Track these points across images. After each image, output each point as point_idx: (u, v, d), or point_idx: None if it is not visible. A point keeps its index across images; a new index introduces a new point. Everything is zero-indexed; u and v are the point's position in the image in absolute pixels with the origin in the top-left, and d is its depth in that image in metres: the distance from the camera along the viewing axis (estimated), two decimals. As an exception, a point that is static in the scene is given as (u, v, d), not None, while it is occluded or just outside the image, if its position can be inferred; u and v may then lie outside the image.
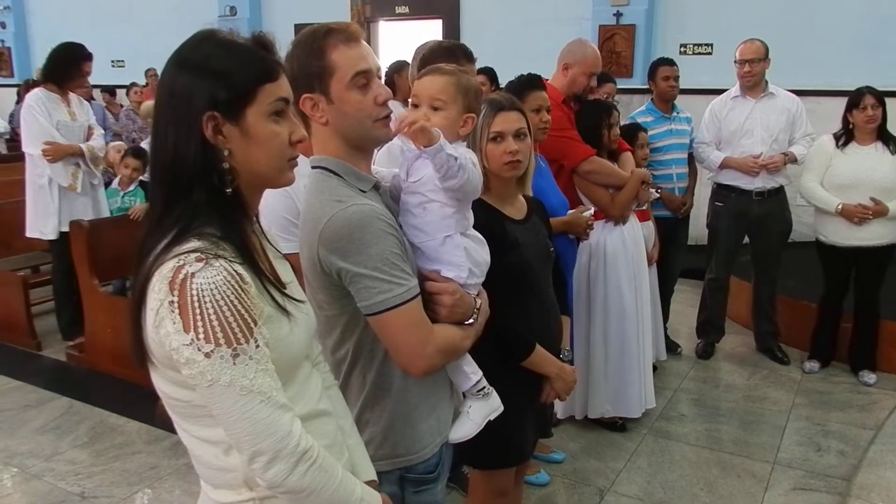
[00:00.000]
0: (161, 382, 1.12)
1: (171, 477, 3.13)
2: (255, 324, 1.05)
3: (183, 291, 0.99)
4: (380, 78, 1.49)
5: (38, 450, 3.36)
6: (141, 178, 4.66)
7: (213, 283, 1.00)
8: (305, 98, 1.44)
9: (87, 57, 4.44)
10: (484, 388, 1.65)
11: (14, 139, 8.35)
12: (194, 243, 1.04)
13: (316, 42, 1.43)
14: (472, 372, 1.63)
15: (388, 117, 1.48)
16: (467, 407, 1.65)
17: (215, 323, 1.00)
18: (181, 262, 1.01)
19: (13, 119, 8.50)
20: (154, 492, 3.05)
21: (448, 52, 2.56)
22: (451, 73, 1.60)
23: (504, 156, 1.97)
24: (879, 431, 3.24)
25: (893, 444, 3.06)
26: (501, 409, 1.69)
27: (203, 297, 0.99)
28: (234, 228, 1.10)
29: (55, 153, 4.35)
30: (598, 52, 3.43)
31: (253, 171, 1.14)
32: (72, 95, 4.57)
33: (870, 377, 3.98)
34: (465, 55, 2.57)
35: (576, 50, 3.33)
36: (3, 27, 10.87)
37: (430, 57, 2.62)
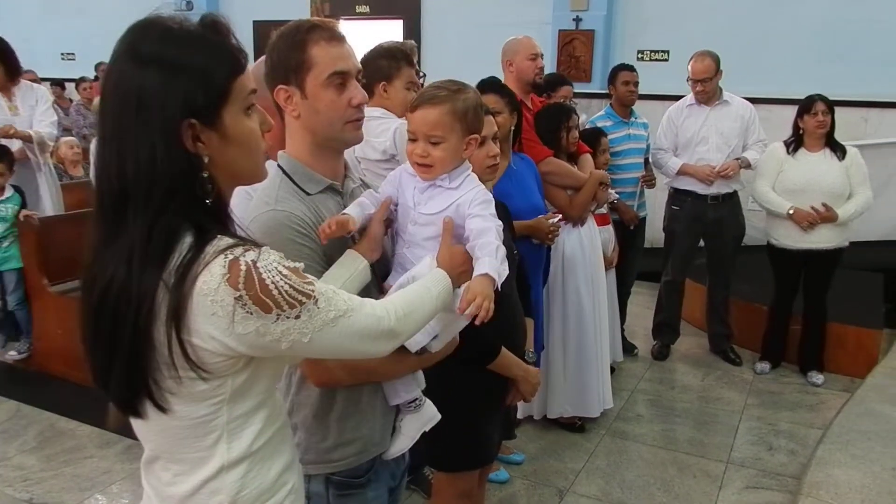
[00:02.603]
0: (181, 405, 1.04)
1: (125, 481, 3.06)
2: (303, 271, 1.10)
3: (250, 282, 0.98)
4: (360, 80, 1.48)
5: (-15, 456, 3.25)
6: (10, 183, 4.18)
7: (275, 260, 1.02)
8: (280, 89, 1.44)
9: None
10: (415, 399, 1.59)
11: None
12: (228, 240, 1.02)
13: (298, 35, 1.42)
14: (404, 390, 1.57)
15: (359, 120, 1.48)
16: (399, 420, 1.60)
17: (291, 291, 1.02)
18: (232, 257, 0.98)
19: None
20: (106, 497, 2.97)
21: (389, 55, 2.61)
22: (444, 102, 1.50)
23: (487, 159, 2.00)
24: (827, 431, 3.34)
25: (841, 443, 3.16)
26: (438, 417, 1.63)
27: (273, 277, 1.00)
28: (232, 230, 1.09)
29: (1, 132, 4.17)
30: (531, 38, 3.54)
31: (233, 173, 1.10)
32: (21, 85, 4.38)
33: (818, 378, 4.11)
34: (387, 56, 2.61)
35: (510, 44, 3.50)
36: (-52, 16, 10.47)
37: (369, 57, 2.65)
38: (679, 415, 3.78)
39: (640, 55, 6.55)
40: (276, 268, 1.01)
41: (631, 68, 4.27)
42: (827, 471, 2.95)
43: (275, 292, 1.00)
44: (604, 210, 3.76)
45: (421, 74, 2.94)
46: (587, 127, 4.08)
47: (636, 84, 4.23)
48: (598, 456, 3.34)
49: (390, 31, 7.56)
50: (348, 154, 2.00)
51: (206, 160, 1.04)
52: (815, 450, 3.19)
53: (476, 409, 2.08)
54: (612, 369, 4.01)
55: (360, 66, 1.48)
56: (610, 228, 3.89)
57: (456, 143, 1.50)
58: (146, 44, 1.01)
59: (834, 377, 4.16)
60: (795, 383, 4.14)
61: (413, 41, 2.88)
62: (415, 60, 2.80)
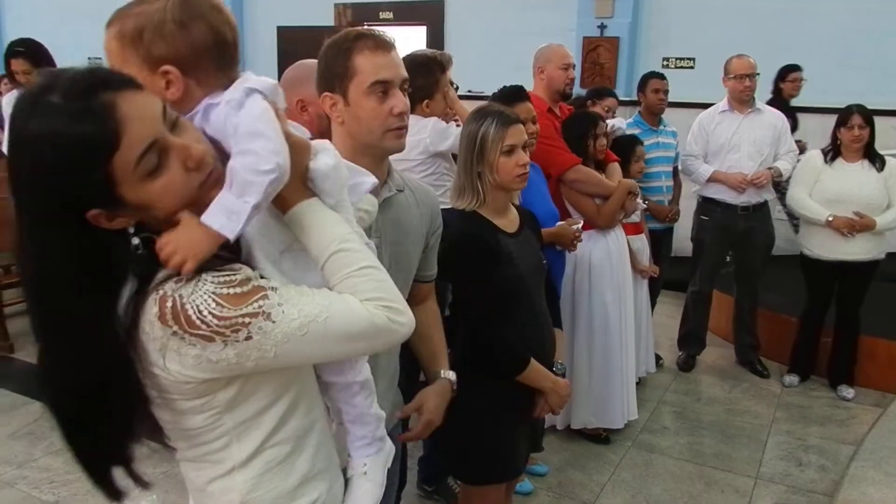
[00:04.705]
0: (172, 416, 1.06)
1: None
2: (259, 278, 1.00)
3: (177, 317, 0.93)
4: (405, 90, 1.49)
5: (10, 456, 3.27)
6: None
7: (206, 291, 0.95)
8: (326, 96, 1.49)
9: (13, 54, 4.28)
10: (381, 437, 1.34)
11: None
12: (161, 273, 0.97)
13: (345, 44, 1.45)
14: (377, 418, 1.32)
15: (401, 129, 1.49)
16: (362, 468, 1.30)
17: (233, 314, 0.95)
18: (160, 293, 0.94)
19: (-16, 114, 8.30)
20: (130, 501, 2.96)
21: (424, 70, 2.61)
22: (111, 23, 1.05)
23: (517, 168, 1.99)
24: (860, 447, 3.27)
25: (874, 460, 3.09)
26: (394, 450, 1.39)
27: (201, 310, 0.94)
28: None
29: None
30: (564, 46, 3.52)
31: (175, 213, 0.98)
32: None
33: (848, 392, 4.03)
34: (423, 72, 2.60)
35: (543, 52, 3.46)
36: (-24, 22, 10.65)
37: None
38: (706, 427, 3.72)
39: (665, 62, 6.49)
40: (206, 299, 0.94)
41: (661, 76, 4.25)
42: (861, 489, 2.88)
43: (209, 321, 0.94)
44: (637, 218, 3.71)
45: (455, 86, 2.94)
46: (624, 134, 4.04)
47: (666, 92, 4.21)
48: (624, 468, 3.29)
49: (414, 37, 7.56)
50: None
51: (131, 229, 0.97)
52: (848, 467, 3.12)
53: (504, 422, 2.06)
54: (638, 381, 3.96)
55: (405, 75, 1.49)
56: (643, 237, 3.84)
57: (144, 80, 0.99)
58: (23, 150, 0.91)
59: (864, 391, 4.07)
60: (825, 397, 4.05)
61: (450, 53, 2.87)
62: (450, 71, 2.80)
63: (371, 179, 1.25)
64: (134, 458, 1.04)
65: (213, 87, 1.04)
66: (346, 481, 1.28)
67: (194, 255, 0.95)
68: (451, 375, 1.77)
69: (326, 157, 1.11)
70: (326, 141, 1.17)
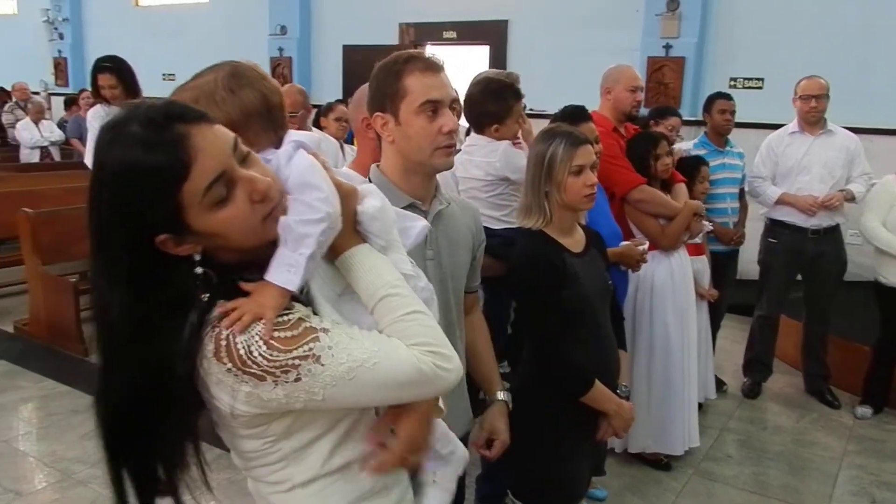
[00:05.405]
0: (231, 439, 1.11)
1: (215, 490, 3.13)
2: (312, 318, 1.03)
3: (231, 354, 0.97)
4: (454, 109, 1.54)
5: (84, 456, 3.38)
6: None
7: (257, 332, 0.98)
8: (377, 116, 1.55)
9: (100, 69, 4.45)
10: (450, 451, 1.36)
11: (67, 145, 8.59)
12: (217, 310, 1.00)
13: (396, 66, 1.52)
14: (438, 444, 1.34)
15: (449, 147, 1.55)
16: (431, 476, 1.34)
17: (283, 357, 0.98)
18: (217, 331, 0.98)
19: (64, 128, 8.74)
20: (195, 505, 3.05)
21: (497, 97, 2.64)
22: (184, 90, 1.19)
23: (584, 188, 2.00)
24: (938, 485, 3.12)
25: (954, 499, 2.95)
26: (468, 456, 1.40)
27: (252, 350, 0.97)
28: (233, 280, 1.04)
29: None
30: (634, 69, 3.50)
31: (240, 250, 1.03)
32: None
33: (925, 426, 3.86)
34: (495, 98, 2.62)
35: (611, 72, 3.46)
36: (61, 38, 11.22)
37: (477, 97, 2.68)
38: (772, 458, 3.60)
39: (732, 83, 6.38)
40: (257, 340, 0.97)
41: (728, 97, 4.19)
42: (940, 529, 2.75)
43: (259, 362, 0.97)
44: (699, 240, 3.65)
45: (524, 106, 2.97)
46: (688, 154, 3.98)
47: (733, 113, 4.14)
48: (685, 497, 3.21)
49: (477, 56, 7.62)
50: (446, 174, 2.06)
51: (197, 257, 1.01)
52: (926, 505, 2.98)
53: (568, 444, 2.05)
54: (700, 406, 3.86)
55: (454, 94, 1.58)
56: (704, 259, 3.77)
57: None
58: (99, 185, 0.96)
59: (943, 427, 3.90)
60: (900, 431, 3.89)
61: (517, 72, 2.89)
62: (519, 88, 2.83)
63: (421, 223, 1.28)
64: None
65: (263, 145, 1.13)
66: (417, 487, 1.31)
67: (267, 311, 0.99)
68: (507, 396, 1.86)
69: (373, 199, 1.15)
70: (372, 185, 1.22)
